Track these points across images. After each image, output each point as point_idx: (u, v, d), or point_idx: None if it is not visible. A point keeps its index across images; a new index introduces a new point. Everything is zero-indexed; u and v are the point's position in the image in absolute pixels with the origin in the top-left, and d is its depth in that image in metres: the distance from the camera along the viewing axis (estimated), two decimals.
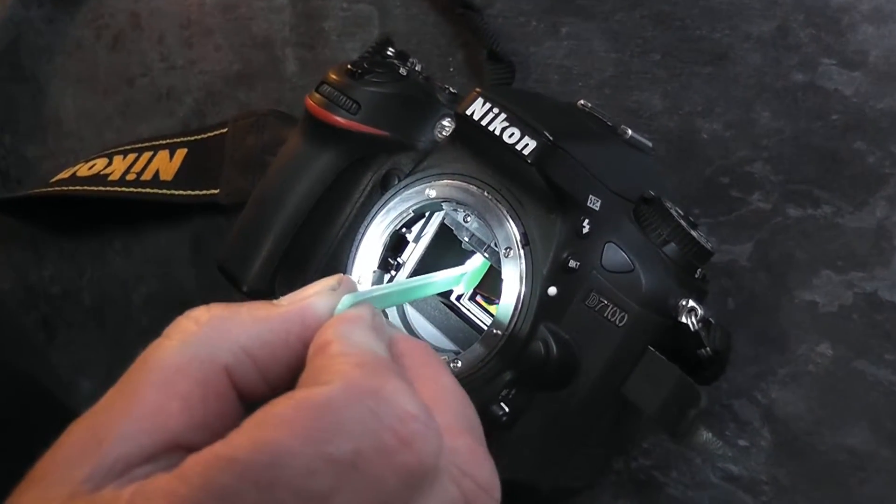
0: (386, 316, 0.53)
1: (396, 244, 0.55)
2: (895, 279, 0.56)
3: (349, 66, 0.56)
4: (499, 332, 0.49)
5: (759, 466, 0.58)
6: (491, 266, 0.53)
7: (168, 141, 0.77)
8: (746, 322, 0.58)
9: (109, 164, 0.77)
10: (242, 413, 0.31)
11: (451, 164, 0.53)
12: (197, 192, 0.75)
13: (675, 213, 0.52)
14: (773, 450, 0.58)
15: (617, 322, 0.50)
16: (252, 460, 0.25)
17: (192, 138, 0.76)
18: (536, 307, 0.49)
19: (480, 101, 0.50)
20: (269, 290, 0.57)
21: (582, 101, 0.55)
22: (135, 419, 0.29)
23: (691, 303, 0.50)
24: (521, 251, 0.50)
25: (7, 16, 0.85)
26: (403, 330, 0.54)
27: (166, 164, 0.76)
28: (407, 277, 0.55)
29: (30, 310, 0.85)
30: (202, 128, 0.77)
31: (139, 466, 0.28)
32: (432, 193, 0.52)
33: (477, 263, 0.53)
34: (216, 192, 0.74)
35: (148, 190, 0.75)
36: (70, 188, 0.77)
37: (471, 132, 0.51)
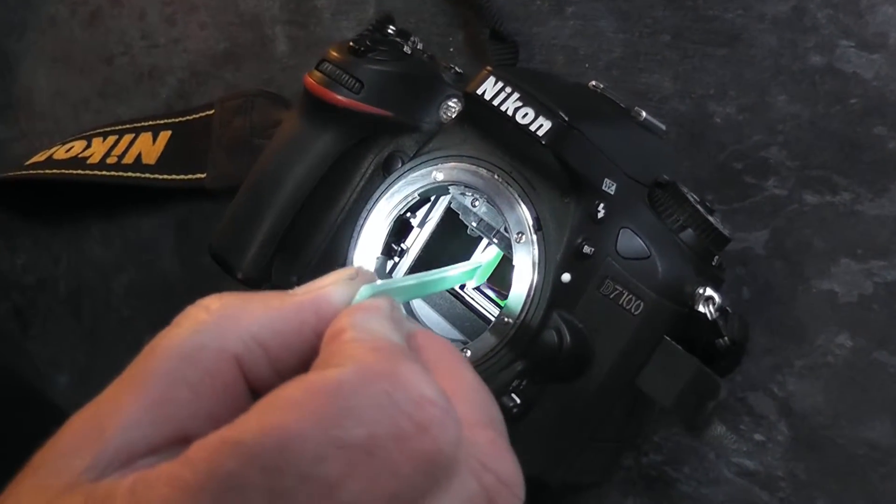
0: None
1: (400, 229, 0.55)
2: None
3: (351, 44, 0.56)
4: (510, 320, 0.50)
5: (776, 461, 0.58)
6: (502, 258, 0.53)
7: (151, 123, 0.77)
8: (762, 312, 0.59)
9: (88, 146, 0.77)
10: (252, 405, 0.31)
11: (459, 146, 0.53)
12: (182, 177, 0.74)
13: (691, 199, 0.52)
14: (790, 444, 0.58)
15: (632, 310, 0.50)
16: (259, 444, 0.25)
17: (177, 120, 0.76)
18: (549, 295, 0.49)
19: (492, 79, 0.50)
20: (265, 277, 0.57)
21: (594, 82, 0.56)
22: (140, 408, 0.29)
23: (709, 291, 0.50)
24: (534, 236, 0.50)
25: None
26: (425, 324, 0.54)
27: (149, 148, 0.75)
28: (411, 264, 0.55)
29: (1, 300, 0.85)
30: (187, 109, 0.77)
31: (143, 458, 0.28)
32: (439, 176, 0.53)
33: (490, 255, 0.53)
34: (202, 176, 0.74)
35: (129, 174, 0.75)
36: (46, 171, 0.77)
37: (481, 112, 0.51)
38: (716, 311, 0.50)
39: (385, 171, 0.56)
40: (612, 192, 0.50)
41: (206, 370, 0.30)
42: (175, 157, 0.75)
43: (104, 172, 0.75)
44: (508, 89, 0.50)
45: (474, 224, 0.53)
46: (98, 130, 0.78)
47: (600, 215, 0.50)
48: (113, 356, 0.78)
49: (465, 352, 0.50)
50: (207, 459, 0.25)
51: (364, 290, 0.33)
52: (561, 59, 0.65)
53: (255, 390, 0.31)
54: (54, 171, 0.76)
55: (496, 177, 0.51)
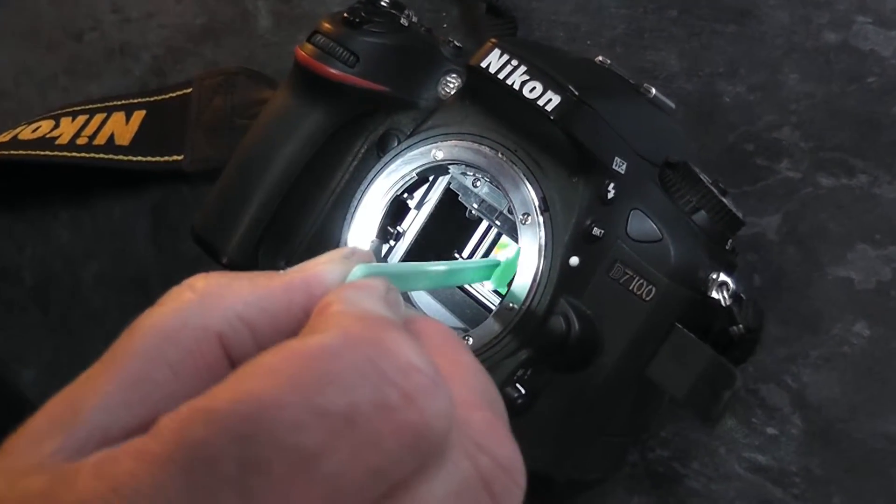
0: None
1: (396, 211, 0.54)
2: None
3: (346, 15, 0.55)
4: (515, 306, 0.49)
5: (790, 456, 0.59)
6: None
7: (124, 102, 0.76)
8: (775, 300, 0.59)
9: (56, 126, 0.76)
10: None
11: (460, 124, 0.53)
12: (157, 159, 0.74)
13: (704, 179, 0.52)
14: (804, 438, 0.59)
15: (643, 296, 0.50)
16: (232, 412, 0.24)
17: (152, 99, 0.76)
18: (556, 279, 0.49)
19: (497, 52, 0.50)
20: (252, 262, 0.57)
21: (600, 58, 0.55)
22: (116, 389, 0.28)
23: (722, 276, 0.50)
24: (540, 218, 0.50)
25: None
26: (423, 312, 0.54)
27: (122, 128, 0.75)
28: (408, 247, 0.54)
29: None
30: (162, 87, 0.76)
31: (120, 441, 0.27)
32: (439, 155, 0.52)
33: (510, 253, 0.52)
34: (179, 158, 0.73)
35: (101, 155, 0.74)
36: (10, 153, 0.75)
37: (485, 87, 0.51)
38: (730, 297, 0.50)
39: (380, 150, 0.55)
40: (623, 172, 0.50)
41: (187, 349, 0.29)
42: (150, 138, 0.74)
43: (74, 154, 0.74)
44: (515, 62, 0.49)
45: (475, 206, 0.53)
46: (67, 109, 0.77)
47: (610, 196, 0.49)
48: (82, 350, 0.77)
49: (467, 339, 0.50)
50: (176, 430, 0.25)
51: (358, 270, 0.32)
52: (561, 36, 0.65)
53: None
54: (19, 151, 0.75)
55: (500, 155, 0.51)
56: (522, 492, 0.28)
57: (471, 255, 0.56)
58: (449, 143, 0.52)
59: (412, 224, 0.55)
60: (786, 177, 0.59)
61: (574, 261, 0.49)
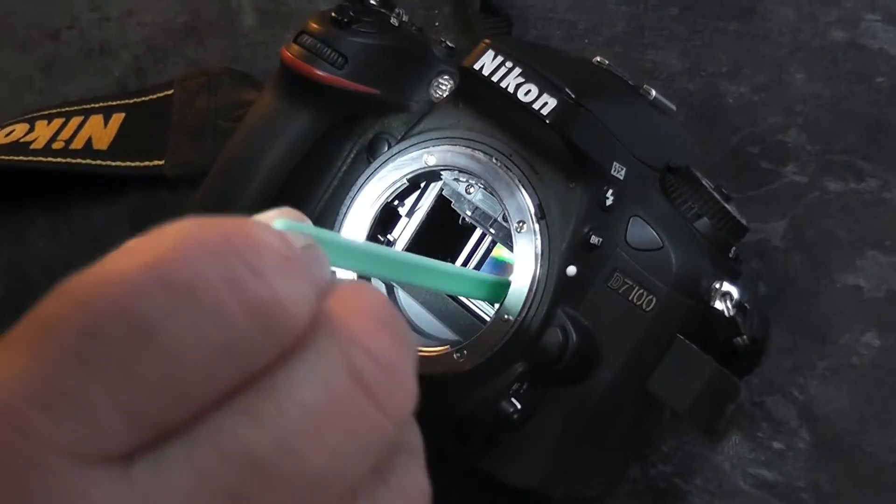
0: None
1: (387, 219, 0.55)
2: None
3: (333, 14, 0.56)
4: (510, 317, 0.50)
5: (797, 471, 0.59)
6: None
7: (102, 104, 0.76)
8: (781, 309, 0.59)
9: (31, 130, 0.76)
10: None
11: (453, 128, 0.53)
12: (137, 164, 0.74)
13: (706, 185, 0.53)
14: (812, 452, 0.59)
15: (644, 306, 0.50)
16: (76, 285, 0.25)
17: (131, 101, 0.76)
18: (553, 289, 0.49)
19: (491, 53, 0.50)
20: None
21: (598, 58, 0.56)
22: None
23: (726, 285, 0.51)
24: (536, 225, 0.50)
25: None
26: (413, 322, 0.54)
27: (100, 131, 0.75)
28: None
29: None
30: (143, 89, 0.76)
31: None
32: (431, 160, 0.53)
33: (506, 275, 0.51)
34: (160, 163, 0.73)
35: (79, 160, 0.74)
36: None
37: (478, 90, 0.51)
38: (733, 306, 0.51)
39: (370, 155, 0.56)
40: (622, 178, 0.51)
41: None
42: (129, 142, 0.74)
43: (49, 159, 0.74)
44: (509, 64, 0.50)
45: (469, 213, 0.53)
46: (42, 112, 0.77)
47: (609, 202, 0.50)
48: None
49: (462, 351, 0.50)
50: (32, 313, 0.25)
51: (278, 223, 0.30)
52: (558, 34, 0.66)
53: None
54: None
55: (494, 160, 0.51)
56: (409, 394, 0.28)
57: (464, 264, 0.56)
58: (441, 147, 0.53)
59: (403, 232, 0.55)
60: (792, 181, 0.60)
61: (571, 270, 0.50)
